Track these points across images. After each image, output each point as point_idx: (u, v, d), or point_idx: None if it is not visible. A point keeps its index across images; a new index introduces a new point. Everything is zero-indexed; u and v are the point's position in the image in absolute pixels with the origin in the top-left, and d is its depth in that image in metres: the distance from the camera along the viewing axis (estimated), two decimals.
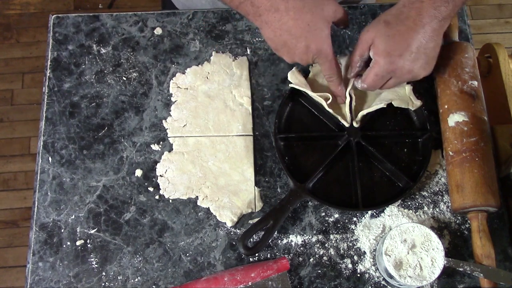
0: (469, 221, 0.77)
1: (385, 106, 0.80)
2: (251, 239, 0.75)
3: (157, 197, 0.79)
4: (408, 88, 0.82)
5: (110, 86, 0.86)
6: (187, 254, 0.76)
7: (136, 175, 0.80)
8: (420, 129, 0.83)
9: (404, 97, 0.82)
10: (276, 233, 0.77)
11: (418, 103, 0.81)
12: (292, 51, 0.73)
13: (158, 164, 0.81)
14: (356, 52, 0.75)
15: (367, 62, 0.76)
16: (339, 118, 0.80)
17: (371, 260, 0.76)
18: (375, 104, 0.81)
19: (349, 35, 0.91)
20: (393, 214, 0.78)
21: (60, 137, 0.82)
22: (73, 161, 0.81)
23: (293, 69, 0.83)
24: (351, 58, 0.77)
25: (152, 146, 0.82)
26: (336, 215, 0.79)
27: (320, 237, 0.77)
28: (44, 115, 0.84)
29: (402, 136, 0.83)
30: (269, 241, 0.75)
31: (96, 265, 0.75)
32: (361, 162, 0.80)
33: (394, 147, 0.82)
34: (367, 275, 0.75)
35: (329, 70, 0.76)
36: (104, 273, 0.75)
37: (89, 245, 0.76)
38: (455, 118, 0.77)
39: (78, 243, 0.76)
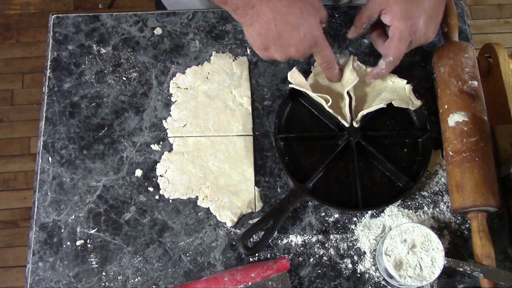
0: (469, 221, 0.77)
1: (385, 106, 0.80)
2: (251, 239, 0.75)
3: (157, 197, 0.79)
4: (408, 88, 0.82)
5: (110, 86, 0.86)
6: (187, 254, 0.76)
7: (136, 175, 0.80)
8: (420, 129, 0.83)
9: (404, 97, 0.82)
10: (276, 233, 0.77)
11: (418, 103, 0.81)
12: (287, 42, 0.71)
13: (158, 164, 0.81)
14: (364, 13, 0.75)
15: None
16: (339, 118, 0.80)
17: (371, 260, 0.76)
18: (375, 104, 0.81)
19: None
20: (393, 214, 0.78)
21: (60, 137, 0.82)
22: (73, 161, 0.81)
23: (293, 69, 0.83)
24: (357, 19, 0.76)
25: (152, 146, 0.82)
26: (336, 215, 0.79)
27: (320, 237, 0.77)
28: (44, 115, 0.84)
29: (402, 136, 0.83)
30: (269, 241, 0.75)
31: (96, 265, 0.75)
32: (361, 162, 0.80)
33: (394, 147, 0.82)
34: (367, 275, 0.75)
35: (325, 58, 0.75)
36: (104, 273, 0.75)
37: (89, 245, 0.76)
38: (455, 118, 0.77)
39: (78, 243, 0.76)
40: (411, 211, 0.79)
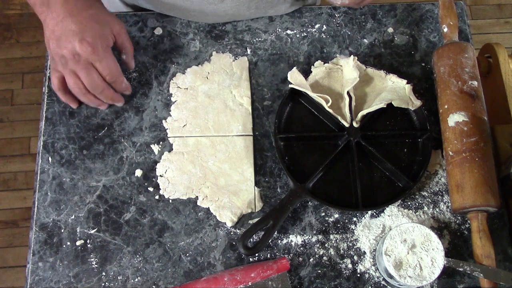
0: (469, 221, 0.77)
1: (385, 106, 0.80)
2: (251, 239, 0.75)
3: (157, 197, 0.79)
4: (408, 88, 0.82)
5: None
6: (187, 254, 0.76)
7: (136, 175, 0.80)
8: (420, 129, 0.83)
9: (404, 97, 0.82)
10: (276, 233, 0.77)
11: (418, 103, 0.81)
12: (65, 43, 0.72)
13: (158, 164, 0.81)
14: None
15: None
16: (339, 118, 0.80)
17: (371, 260, 0.76)
18: (375, 104, 0.81)
19: (349, 35, 0.91)
20: (393, 214, 0.78)
21: (60, 137, 0.82)
22: (73, 161, 0.81)
23: (293, 69, 0.83)
24: None
25: (152, 146, 0.82)
26: (336, 215, 0.79)
27: (320, 237, 0.77)
28: (44, 115, 0.84)
29: (402, 136, 0.83)
30: (269, 241, 0.75)
31: (96, 265, 0.75)
32: (361, 162, 0.80)
33: (394, 147, 0.82)
34: (367, 275, 0.75)
35: (107, 69, 0.75)
36: (104, 273, 0.75)
37: (89, 245, 0.76)
38: (455, 118, 0.77)
39: (78, 243, 0.76)
40: (411, 211, 0.79)
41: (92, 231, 0.77)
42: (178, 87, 0.86)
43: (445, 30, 0.85)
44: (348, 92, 0.82)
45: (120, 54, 0.80)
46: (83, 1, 0.73)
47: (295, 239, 0.77)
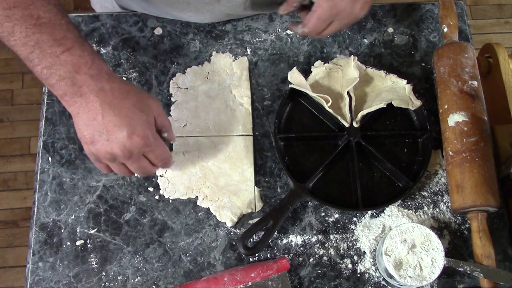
0: (469, 221, 0.77)
1: (385, 106, 0.80)
2: (251, 239, 0.75)
3: (157, 197, 0.79)
4: (408, 88, 0.82)
5: None
6: (187, 254, 0.76)
7: (136, 175, 0.80)
8: (420, 129, 0.83)
9: (404, 97, 0.82)
10: (276, 233, 0.77)
11: (418, 103, 0.81)
12: (113, 137, 0.63)
13: None
14: None
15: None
16: (339, 118, 0.80)
17: (371, 260, 0.76)
18: (375, 104, 0.81)
19: (349, 35, 0.91)
20: (393, 214, 0.78)
21: (60, 137, 0.82)
22: (73, 161, 0.81)
23: (293, 69, 0.83)
24: None
25: None
26: (336, 215, 0.79)
27: (320, 237, 0.77)
28: (44, 115, 0.84)
29: (402, 136, 0.83)
30: (269, 241, 0.75)
31: (96, 265, 0.75)
32: (361, 162, 0.80)
33: (394, 147, 0.82)
34: (367, 275, 0.75)
35: (160, 157, 0.69)
36: (104, 273, 0.75)
37: (89, 245, 0.76)
38: (455, 118, 0.77)
39: (78, 243, 0.76)
40: (411, 211, 0.79)
41: (92, 231, 0.77)
42: (178, 87, 0.86)
43: (445, 30, 0.85)
44: (348, 92, 0.82)
45: (160, 133, 0.72)
46: (119, 85, 0.64)
47: (295, 239, 0.77)
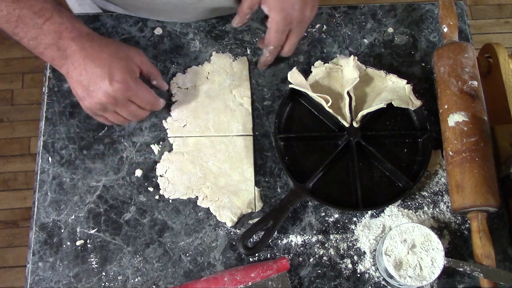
0: (469, 221, 0.77)
1: (385, 106, 0.80)
2: (251, 239, 0.75)
3: (157, 197, 0.79)
4: (408, 88, 0.82)
5: None
6: (187, 254, 0.76)
7: (136, 175, 0.80)
8: (420, 129, 0.83)
9: (404, 97, 0.82)
10: (276, 233, 0.77)
11: (418, 103, 0.81)
12: (97, 87, 0.69)
13: (158, 164, 0.81)
14: (246, 4, 0.76)
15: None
16: (339, 118, 0.80)
17: (371, 260, 0.76)
18: (375, 104, 0.81)
19: (349, 35, 0.91)
20: (393, 214, 0.78)
21: (60, 137, 0.82)
22: (73, 161, 0.81)
23: (293, 69, 0.83)
24: (240, 10, 0.77)
25: (152, 146, 0.82)
26: (336, 215, 0.79)
27: (320, 237, 0.77)
28: (44, 115, 0.84)
29: (402, 136, 0.83)
30: (269, 241, 0.75)
31: (96, 265, 0.75)
32: (361, 162, 0.80)
33: (394, 147, 0.82)
34: (367, 275, 0.75)
35: (145, 100, 0.74)
36: (104, 273, 0.75)
37: (89, 245, 0.76)
38: (455, 118, 0.77)
39: (78, 243, 0.76)
40: (411, 211, 0.79)
41: (92, 231, 0.77)
42: (178, 87, 0.86)
43: (445, 30, 0.85)
44: (348, 92, 0.82)
45: (149, 81, 0.78)
46: (99, 42, 0.70)
47: (295, 239, 0.77)
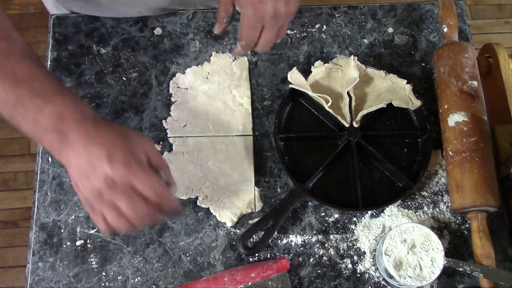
0: (469, 221, 0.77)
1: (385, 106, 0.80)
2: (251, 239, 0.75)
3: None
4: (408, 88, 0.82)
5: (110, 86, 0.86)
6: (187, 254, 0.76)
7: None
8: (420, 129, 0.83)
9: (404, 97, 0.82)
10: (276, 233, 0.77)
11: (418, 103, 0.81)
12: (94, 168, 0.57)
13: None
14: (221, 9, 0.74)
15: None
16: (339, 118, 0.80)
17: (371, 260, 0.76)
18: (375, 104, 0.81)
19: (349, 35, 0.91)
20: (393, 214, 0.78)
21: None
22: None
23: (293, 69, 0.83)
24: (218, 15, 0.75)
25: None
26: (336, 215, 0.79)
27: (320, 237, 0.77)
28: None
29: (402, 136, 0.83)
30: (269, 241, 0.75)
31: (96, 265, 0.75)
32: (361, 162, 0.80)
33: (394, 147, 0.82)
34: (367, 275, 0.75)
35: (151, 188, 0.59)
36: (104, 273, 0.75)
37: (89, 245, 0.76)
38: (455, 118, 0.77)
39: (78, 243, 0.76)
40: (411, 211, 0.79)
41: (92, 231, 0.77)
42: (178, 87, 0.86)
43: (445, 30, 0.85)
44: (348, 92, 0.82)
45: (157, 173, 0.64)
46: (104, 126, 0.61)
47: (295, 239, 0.77)
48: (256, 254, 0.76)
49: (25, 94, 0.58)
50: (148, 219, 0.60)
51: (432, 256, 0.70)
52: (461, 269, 0.71)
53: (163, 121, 0.83)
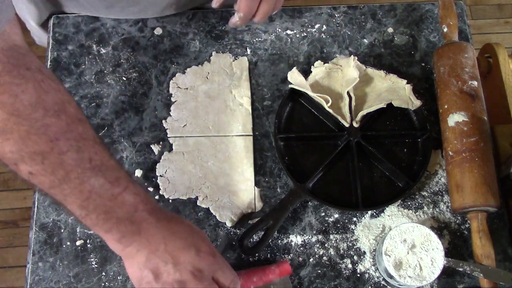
0: (469, 221, 0.77)
1: (385, 106, 0.80)
2: (251, 239, 0.75)
3: (157, 197, 0.79)
4: (408, 88, 0.82)
5: (110, 86, 0.86)
6: None
7: (136, 175, 0.80)
8: (420, 129, 0.83)
9: (404, 97, 0.82)
10: (276, 233, 0.77)
11: (418, 103, 0.81)
12: (181, 260, 0.59)
13: (158, 164, 0.81)
14: None
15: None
16: (339, 118, 0.80)
17: (371, 260, 0.76)
18: (375, 104, 0.81)
19: (349, 35, 0.91)
20: (393, 214, 0.78)
21: None
22: None
23: (293, 69, 0.83)
24: None
25: (152, 146, 0.82)
26: (336, 215, 0.79)
27: (320, 237, 0.77)
28: None
29: (402, 136, 0.83)
30: (269, 241, 0.75)
31: (96, 265, 0.75)
32: (361, 162, 0.80)
33: (394, 147, 0.82)
34: (367, 275, 0.75)
35: (229, 278, 0.63)
36: (104, 273, 0.75)
37: (89, 245, 0.76)
38: (455, 118, 0.77)
39: (78, 243, 0.76)
40: (411, 211, 0.79)
41: (92, 231, 0.77)
42: (178, 87, 0.86)
43: (445, 30, 0.85)
44: (348, 92, 0.82)
45: None
46: (170, 215, 0.62)
47: (295, 239, 0.77)
48: (256, 254, 0.76)
49: (101, 183, 0.56)
50: None
51: (432, 256, 0.70)
52: (461, 269, 0.71)
53: (163, 121, 0.83)
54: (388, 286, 0.75)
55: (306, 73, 0.85)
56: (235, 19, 0.75)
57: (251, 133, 0.83)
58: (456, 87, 0.79)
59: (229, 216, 0.77)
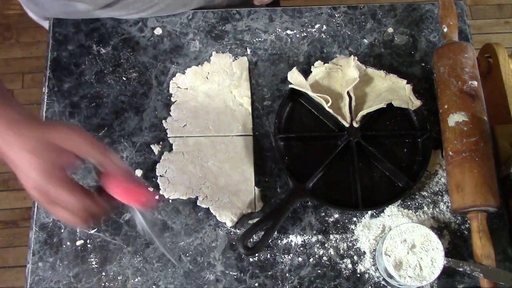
0: (469, 221, 0.77)
1: (385, 106, 0.80)
2: (251, 239, 0.75)
3: (157, 197, 0.79)
4: (408, 88, 0.82)
5: (110, 86, 0.86)
6: (187, 254, 0.76)
7: (136, 175, 0.80)
8: (420, 129, 0.83)
9: (404, 97, 0.82)
10: (276, 233, 0.77)
11: (418, 103, 0.81)
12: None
13: (158, 164, 0.81)
14: None
15: None
16: (339, 118, 0.80)
17: (371, 260, 0.76)
18: (375, 104, 0.81)
19: (349, 35, 0.91)
20: (393, 214, 0.78)
21: None
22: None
23: (293, 69, 0.83)
24: None
25: (152, 146, 0.82)
26: (336, 215, 0.79)
27: (320, 237, 0.77)
28: (44, 115, 0.84)
29: (402, 136, 0.83)
30: (269, 241, 0.75)
31: (96, 265, 0.75)
32: (361, 162, 0.80)
33: (394, 147, 0.82)
34: (367, 275, 0.75)
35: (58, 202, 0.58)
36: (104, 273, 0.75)
37: (89, 245, 0.76)
38: (455, 118, 0.77)
39: (78, 243, 0.76)
40: (411, 211, 0.79)
41: (92, 231, 0.77)
42: (178, 87, 0.86)
43: (445, 30, 0.85)
44: (348, 92, 0.82)
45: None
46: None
47: (295, 239, 0.77)
48: (256, 254, 0.76)
49: None
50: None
51: (432, 256, 0.70)
52: (461, 269, 0.71)
53: (163, 121, 0.83)
54: (388, 286, 0.75)
55: (306, 73, 0.85)
56: None
57: (251, 133, 0.83)
58: (456, 87, 0.79)
59: (229, 216, 0.77)
